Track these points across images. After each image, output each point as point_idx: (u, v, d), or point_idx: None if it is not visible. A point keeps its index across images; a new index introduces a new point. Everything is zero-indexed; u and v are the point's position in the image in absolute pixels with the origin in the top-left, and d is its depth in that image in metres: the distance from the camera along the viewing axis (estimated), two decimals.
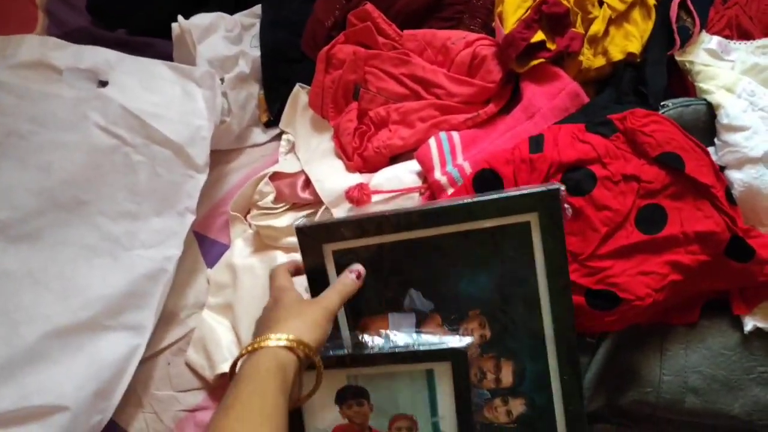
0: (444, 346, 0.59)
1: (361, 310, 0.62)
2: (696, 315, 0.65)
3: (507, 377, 0.60)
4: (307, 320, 0.53)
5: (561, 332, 0.58)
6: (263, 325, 0.55)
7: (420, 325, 0.61)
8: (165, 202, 0.78)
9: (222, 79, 0.81)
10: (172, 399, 0.77)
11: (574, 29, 0.71)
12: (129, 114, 0.76)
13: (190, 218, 0.78)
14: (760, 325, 0.63)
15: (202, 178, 0.78)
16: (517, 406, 0.60)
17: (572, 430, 0.59)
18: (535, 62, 0.70)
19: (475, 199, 0.58)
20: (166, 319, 0.78)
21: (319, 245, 0.60)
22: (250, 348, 0.51)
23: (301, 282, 0.62)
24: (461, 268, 0.59)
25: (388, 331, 0.61)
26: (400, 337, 0.61)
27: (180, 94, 0.77)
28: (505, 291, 0.59)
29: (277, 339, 0.50)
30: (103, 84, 0.79)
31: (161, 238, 0.77)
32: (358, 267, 0.59)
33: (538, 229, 0.56)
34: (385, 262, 0.60)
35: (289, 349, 0.50)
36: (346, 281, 0.58)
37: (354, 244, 0.60)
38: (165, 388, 0.77)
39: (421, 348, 0.60)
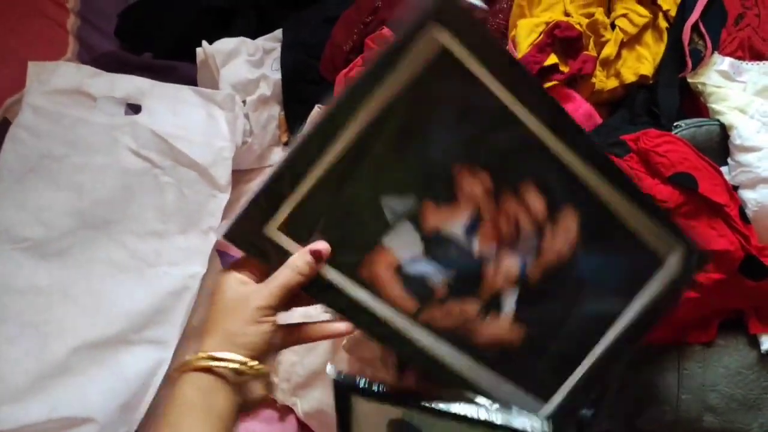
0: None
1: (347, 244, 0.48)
2: (713, 333, 0.65)
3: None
4: (232, 327, 0.45)
5: None
6: (206, 331, 0.47)
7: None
8: (190, 222, 0.80)
9: (244, 102, 0.83)
10: None
11: (586, 52, 0.73)
12: (158, 138, 0.79)
13: (214, 237, 0.80)
14: None
15: (224, 197, 0.80)
16: None
17: None
18: (549, 84, 0.72)
19: None
20: (189, 334, 0.80)
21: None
22: (174, 373, 0.46)
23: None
24: None
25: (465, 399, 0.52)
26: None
27: (204, 118, 0.80)
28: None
29: (196, 359, 0.44)
30: (136, 110, 0.83)
31: (186, 256, 0.79)
32: (321, 245, 0.46)
33: None
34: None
35: (207, 369, 0.44)
36: (298, 264, 0.45)
37: None
38: None
39: (498, 421, 0.51)
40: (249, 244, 0.47)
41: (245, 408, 0.47)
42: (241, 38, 0.87)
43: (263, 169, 0.89)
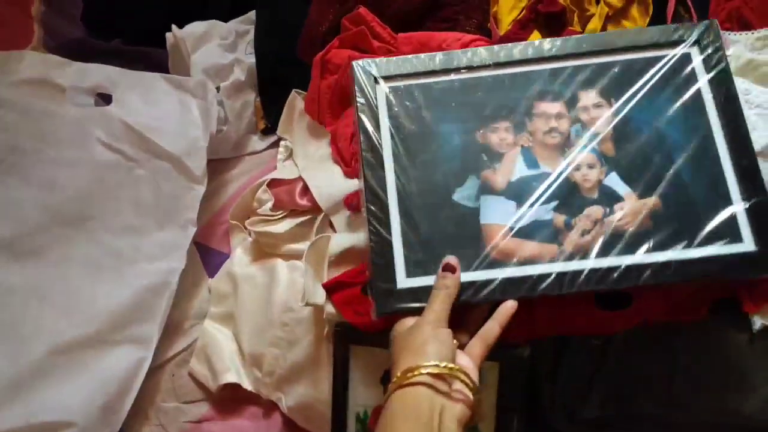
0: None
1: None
2: (704, 312, 0.64)
3: None
4: (414, 345, 0.50)
5: None
6: (393, 363, 0.52)
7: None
8: (167, 216, 0.78)
9: (218, 88, 0.80)
10: (177, 411, 0.76)
11: (571, 27, 0.70)
12: (131, 129, 0.77)
13: (192, 230, 0.78)
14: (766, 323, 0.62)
15: (201, 189, 0.78)
16: None
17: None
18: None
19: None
20: (170, 330, 0.78)
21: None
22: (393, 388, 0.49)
23: None
24: None
25: None
26: None
27: (176, 106, 0.77)
28: None
29: (394, 382, 0.48)
30: (107, 100, 0.80)
31: (164, 252, 0.77)
32: (448, 259, 0.55)
33: None
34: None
35: (406, 385, 0.48)
36: (445, 282, 0.54)
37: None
38: (170, 400, 0.77)
39: None
40: (399, 305, 0.56)
41: (468, 418, 0.49)
42: (213, 21, 0.84)
43: (241, 158, 0.86)
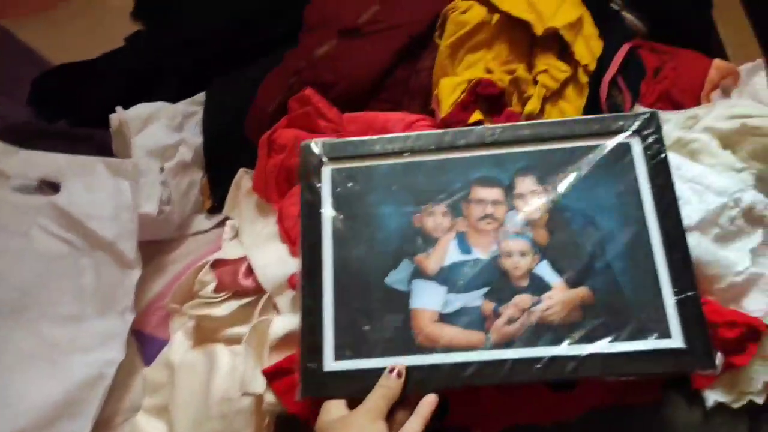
0: None
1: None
2: (657, 393, 0.62)
3: None
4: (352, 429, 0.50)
5: None
6: None
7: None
8: (107, 303, 0.75)
9: (162, 168, 0.79)
10: None
11: (510, 108, 0.72)
12: (75, 219, 0.75)
13: (130, 317, 0.75)
14: (720, 399, 0.60)
15: (135, 273, 0.75)
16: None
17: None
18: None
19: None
20: (98, 426, 0.71)
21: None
22: None
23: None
24: None
25: None
26: None
27: (112, 191, 0.76)
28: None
29: None
30: (55, 188, 0.78)
31: (102, 341, 0.73)
32: (399, 367, 0.55)
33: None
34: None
35: None
36: (389, 383, 0.54)
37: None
38: None
39: None
40: (324, 387, 0.57)
41: None
42: (161, 103, 0.84)
43: (186, 238, 0.84)
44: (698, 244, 0.60)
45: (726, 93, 0.79)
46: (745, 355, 0.59)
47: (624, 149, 0.60)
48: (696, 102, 0.76)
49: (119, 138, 0.81)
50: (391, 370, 0.54)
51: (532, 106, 0.73)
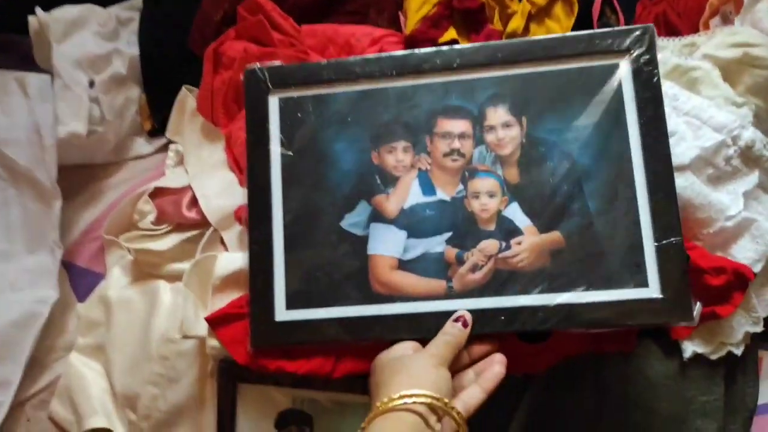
0: None
1: None
2: (632, 342, 0.58)
3: None
4: (415, 371, 0.47)
5: None
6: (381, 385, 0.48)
7: None
8: (35, 238, 0.69)
9: (92, 82, 0.69)
10: None
11: (491, 26, 0.64)
12: None
13: (59, 253, 0.68)
14: (699, 350, 0.57)
15: (56, 204, 0.68)
16: None
17: None
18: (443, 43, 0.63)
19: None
20: (29, 365, 0.66)
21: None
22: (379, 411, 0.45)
23: None
24: None
25: None
26: None
27: (25, 110, 0.67)
28: None
29: (385, 403, 0.45)
30: None
31: (33, 278, 0.68)
32: (464, 314, 0.51)
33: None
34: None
35: (401, 409, 0.44)
36: (453, 331, 0.50)
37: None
38: None
39: None
40: (276, 336, 0.54)
41: None
42: (89, 5, 0.73)
43: (124, 163, 0.75)
44: (690, 185, 0.55)
45: (726, 20, 0.72)
46: (729, 305, 0.55)
47: (610, 71, 0.53)
48: (694, 29, 0.69)
49: (41, 45, 0.70)
50: (457, 319, 0.50)
51: (516, 23, 0.65)
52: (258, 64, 0.58)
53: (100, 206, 0.73)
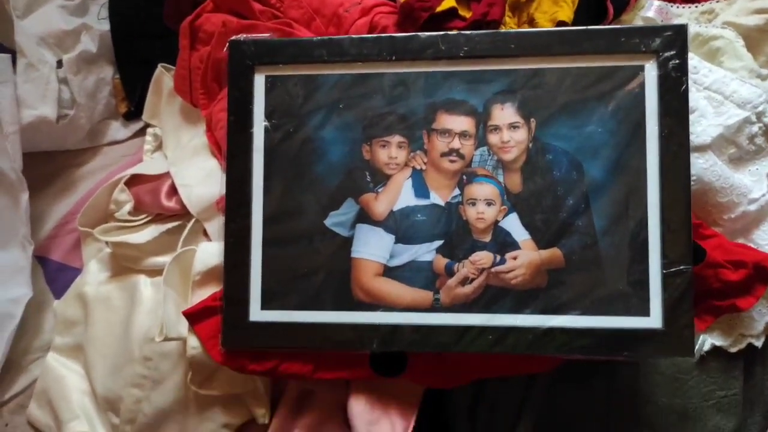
0: None
1: None
2: None
3: None
4: None
5: None
6: None
7: None
8: (5, 234, 0.64)
9: (60, 62, 0.64)
10: None
11: None
12: None
13: (30, 248, 0.64)
14: (718, 343, 0.53)
15: (23, 196, 0.63)
16: None
17: None
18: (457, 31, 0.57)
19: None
20: (5, 367, 0.63)
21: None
22: None
23: None
24: None
25: None
26: None
27: None
28: None
29: None
30: None
31: (5, 277, 0.64)
32: None
33: None
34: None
35: None
36: None
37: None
38: None
39: None
40: (248, 338, 0.51)
41: None
42: None
43: (99, 149, 0.70)
44: (710, 167, 0.51)
45: None
46: (750, 297, 0.51)
47: (633, 74, 0.48)
48: None
49: (1, 21, 0.65)
50: None
51: None
52: (243, 36, 0.53)
53: (74, 196, 0.69)
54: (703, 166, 0.52)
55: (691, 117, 0.52)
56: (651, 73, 0.47)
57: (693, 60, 0.54)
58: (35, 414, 0.62)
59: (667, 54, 0.47)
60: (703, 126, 0.51)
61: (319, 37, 0.53)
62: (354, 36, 0.53)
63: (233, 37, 0.53)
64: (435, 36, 0.50)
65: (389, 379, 0.51)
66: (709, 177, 0.51)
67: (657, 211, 0.46)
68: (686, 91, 0.46)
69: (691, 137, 0.52)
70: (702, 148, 0.52)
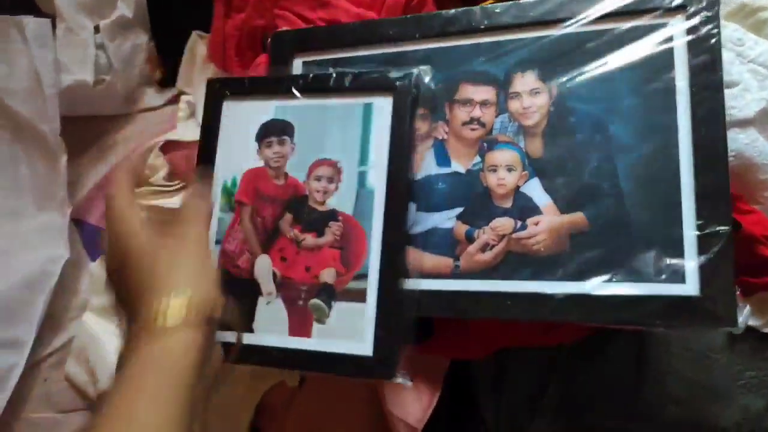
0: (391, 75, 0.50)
1: None
2: None
3: None
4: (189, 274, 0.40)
5: None
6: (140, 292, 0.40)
7: None
8: (45, 196, 0.67)
9: (96, 27, 0.65)
10: (53, 423, 0.64)
11: None
12: None
13: (67, 210, 0.66)
14: (750, 323, 0.53)
15: (62, 158, 0.65)
16: None
17: None
18: (488, 4, 0.57)
19: None
20: (43, 324, 0.65)
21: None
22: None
23: None
24: None
25: None
26: None
27: (26, 57, 0.63)
28: None
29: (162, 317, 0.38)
30: None
31: (44, 238, 0.66)
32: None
33: None
34: None
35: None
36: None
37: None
38: (43, 410, 0.64)
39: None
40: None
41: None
42: None
43: (134, 115, 0.71)
44: (752, 142, 0.50)
45: None
46: None
47: (660, 28, 0.46)
48: None
49: None
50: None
51: None
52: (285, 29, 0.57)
53: (110, 161, 0.70)
54: (744, 141, 0.50)
55: (734, 91, 0.51)
56: (679, 26, 0.45)
57: (738, 32, 0.52)
58: (72, 371, 0.64)
59: (695, 6, 0.45)
60: (747, 100, 0.50)
61: (349, 23, 0.57)
62: (383, 18, 0.56)
63: (277, 30, 0.57)
64: (458, 12, 0.51)
65: (416, 347, 0.51)
66: (750, 152, 0.50)
67: (690, 170, 0.44)
68: (718, 42, 0.44)
69: (734, 111, 0.51)
70: (744, 123, 0.51)
